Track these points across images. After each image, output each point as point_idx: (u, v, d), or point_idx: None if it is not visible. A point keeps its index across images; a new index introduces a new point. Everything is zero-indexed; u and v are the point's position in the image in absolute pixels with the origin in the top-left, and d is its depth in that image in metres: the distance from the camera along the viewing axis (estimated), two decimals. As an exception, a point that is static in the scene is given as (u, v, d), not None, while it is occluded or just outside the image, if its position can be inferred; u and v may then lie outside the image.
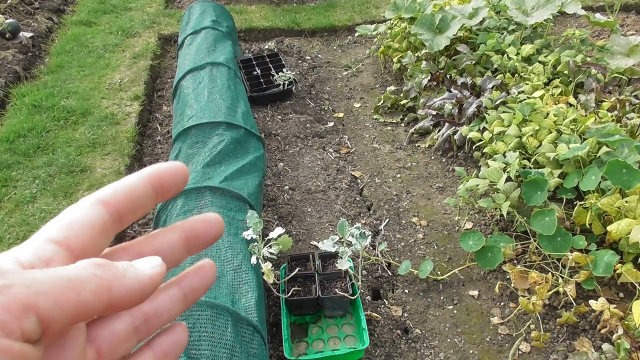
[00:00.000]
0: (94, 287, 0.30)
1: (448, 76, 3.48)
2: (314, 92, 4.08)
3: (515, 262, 2.49)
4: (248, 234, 2.07)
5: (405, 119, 3.65)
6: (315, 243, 2.65)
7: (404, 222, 2.86)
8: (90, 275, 0.30)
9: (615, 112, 2.79)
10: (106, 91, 3.92)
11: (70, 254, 0.32)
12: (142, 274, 0.33)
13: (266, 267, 2.03)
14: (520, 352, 2.16)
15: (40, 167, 3.19)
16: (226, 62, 3.41)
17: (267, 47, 4.62)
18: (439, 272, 2.53)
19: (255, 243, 2.05)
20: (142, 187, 0.37)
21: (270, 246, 2.08)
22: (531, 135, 2.68)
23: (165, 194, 0.38)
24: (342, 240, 2.17)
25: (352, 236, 2.17)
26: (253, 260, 2.02)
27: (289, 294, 2.18)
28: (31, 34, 4.49)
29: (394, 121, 3.70)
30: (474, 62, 3.49)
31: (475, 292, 2.43)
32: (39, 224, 2.78)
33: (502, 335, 2.24)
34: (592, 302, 2.03)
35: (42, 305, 0.28)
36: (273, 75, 3.86)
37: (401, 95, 3.72)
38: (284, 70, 3.89)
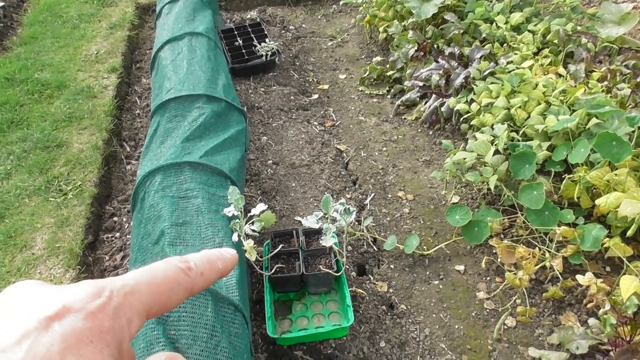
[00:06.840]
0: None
1: (435, 46, 3.39)
2: (298, 64, 3.97)
3: (502, 236, 2.46)
4: (229, 211, 2.01)
5: (392, 90, 3.57)
6: (299, 219, 2.59)
7: (389, 196, 2.80)
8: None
9: (606, 83, 2.73)
10: (82, 63, 3.78)
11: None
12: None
13: (248, 244, 1.97)
14: (505, 327, 2.14)
15: (15, 142, 3.08)
16: (206, 32, 3.28)
17: (249, 16, 4.47)
18: (425, 247, 2.50)
19: (237, 220, 1.98)
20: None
21: (252, 223, 2.02)
22: (520, 107, 2.62)
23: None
24: (327, 216, 2.11)
25: (337, 212, 2.11)
26: (234, 237, 1.95)
27: (272, 271, 2.13)
28: (2, 4, 4.30)
29: (380, 93, 3.61)
30: (461, 31, 3.39)
31: (461, 267, 2.40)
32: (15, 202, 2.69)
33: (488, 310, 2.22)
34: (578, 276, 2.00)
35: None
36: (255, 46, 3.73)
37: (387, 66, 3.62)
38: (267, 40, 3.77)
